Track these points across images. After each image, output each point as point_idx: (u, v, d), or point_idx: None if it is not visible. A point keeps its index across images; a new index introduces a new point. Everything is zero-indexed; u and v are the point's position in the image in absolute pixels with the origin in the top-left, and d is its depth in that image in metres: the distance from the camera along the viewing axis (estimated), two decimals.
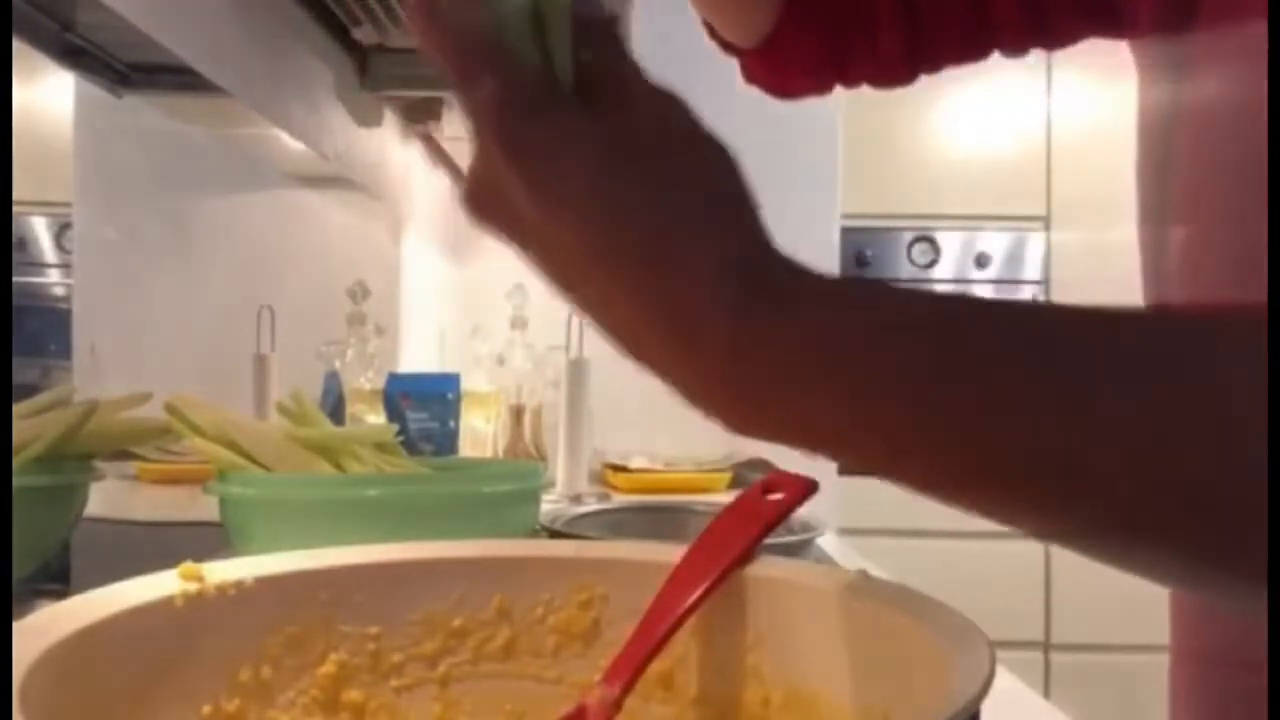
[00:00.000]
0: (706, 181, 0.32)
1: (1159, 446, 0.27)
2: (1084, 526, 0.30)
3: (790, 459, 0.37)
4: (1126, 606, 1.69)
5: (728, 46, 0.61)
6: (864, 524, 1.99)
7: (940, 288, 2.83)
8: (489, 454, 1.57)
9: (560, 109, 0.31)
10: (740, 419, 0.31)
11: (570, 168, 0.30)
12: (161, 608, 0.38)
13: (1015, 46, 0.55)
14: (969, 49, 0.56)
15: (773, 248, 0.31)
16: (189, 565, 0.40)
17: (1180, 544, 0.29)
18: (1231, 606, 0.40)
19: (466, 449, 1.48)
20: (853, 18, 0.56)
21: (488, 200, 0.33)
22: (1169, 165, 0.47)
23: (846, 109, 1.95)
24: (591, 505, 1.17)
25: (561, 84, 0.32)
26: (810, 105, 2.20)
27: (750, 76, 0.60)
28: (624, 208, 0.30)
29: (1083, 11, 0.51)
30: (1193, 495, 0.28)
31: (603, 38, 0.33)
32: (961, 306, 0.30)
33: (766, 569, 0.43)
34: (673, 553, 0.44)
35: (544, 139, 0.30)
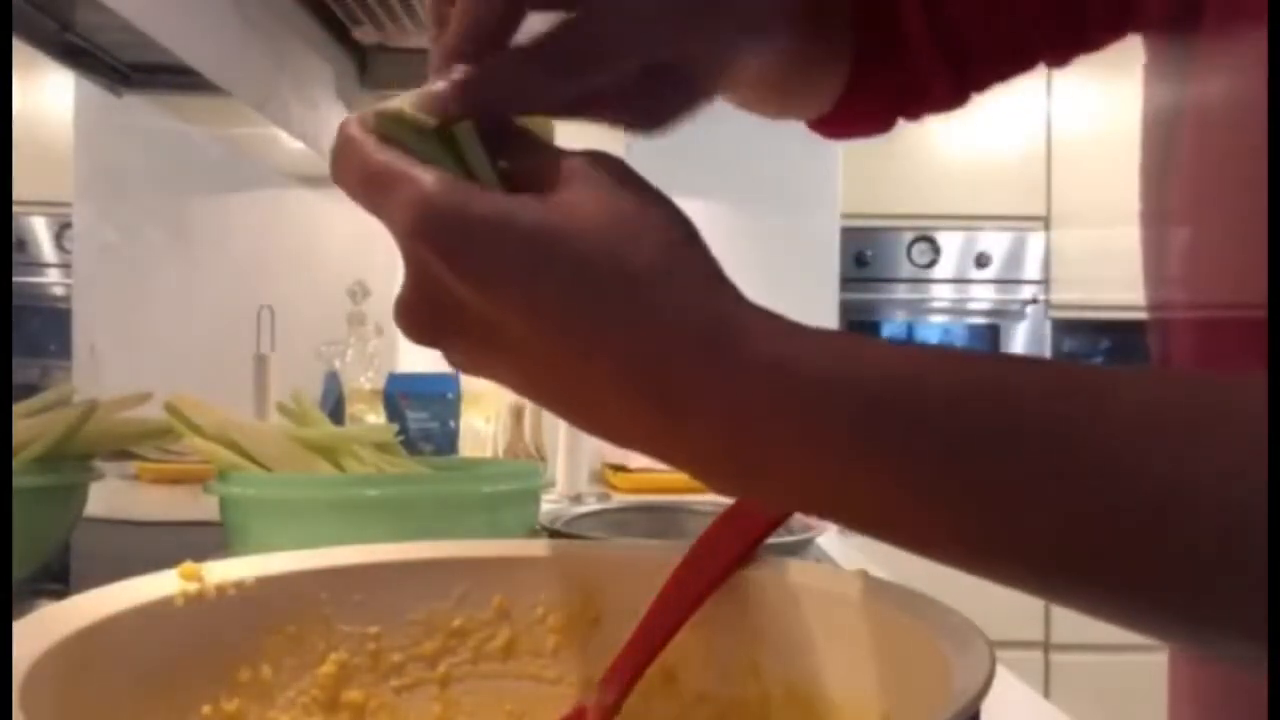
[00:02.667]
0: (655, 251, 0.30)
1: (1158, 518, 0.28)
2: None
3: None
4: None
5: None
6: None
7: (940, 288, 2.83)
8: (489, 454, 1.57)
9: (494, 211, 0.29)
10: (744, 491, 0.32)
11: (518, 264, 0.29)
12: (161, 608, 0.38)
13: (1059, 60, 0.56)
14: (1015, 68, 0.57)
15: (732, 307, 0.30)
16: (189, 565, 0.40)
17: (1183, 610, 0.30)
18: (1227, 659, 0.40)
19: (466, 449, 1.48)
20: (908, 77, 0.57)
21: (430, 319, 0.32)
22: (1171, 164, 0.47)
23: None
24: (591, 505, 1.17)
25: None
26: None
27: (811, 128, 0.61)
28: (560, 309, 0.29)
29: (1113, 11, 0.51)
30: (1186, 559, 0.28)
31: (518, 143, 0.32)
32: (941, 376, 0.29)
33: (766, 569, 0.43)
34: (673, 553, 0.44)
35: (481, 244, 0.29)
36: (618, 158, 0.32)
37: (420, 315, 0.32)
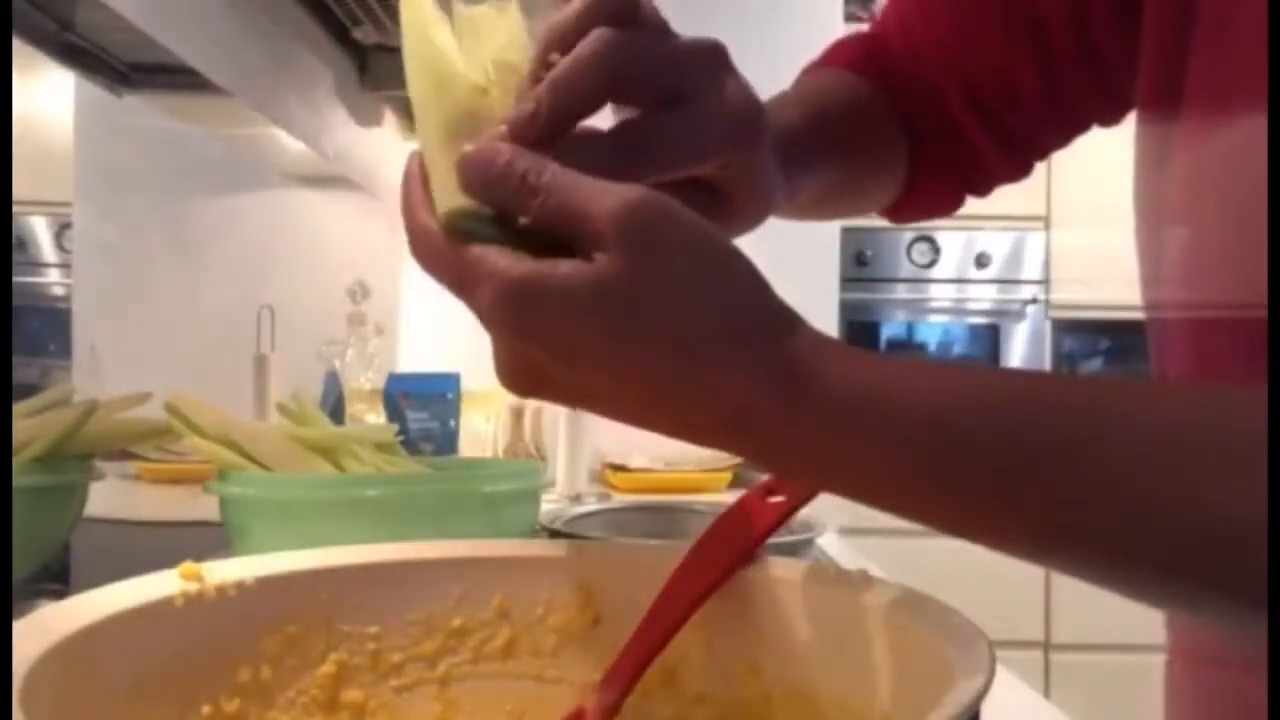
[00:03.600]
0: (717, 297, 0.33)
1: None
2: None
3: None
4: (1126, 606, 1.68)
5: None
6: (864, 524, 1.99)
7: (940, 288, 2.83)
8: (489, 454, 1.57)
9: (552, 288, 0.32)
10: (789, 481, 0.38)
11: (590, 328, 0.32)
12: (161, 608, 0.38)
13: (1111, 121, 0.58)
14: (1072, 135, 0.60)
15: (800, 340, 0.33)
16: (189, 565, 0.40)
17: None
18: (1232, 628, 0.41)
19: (466, 449, 1.48)
20: (965, 163, 0.60)
21: (527, 377, 0.36)
22: (1166, 164, 0.47)
23: None
24: (591, 505, 1.17)
25: (543, 247, 0.33)
26: None
27: (883, 215, 0.63)
28: (648, 354, 0.32)
29: (1130, 54, 0.51)
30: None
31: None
32: (991, 392, 0.33)
33: (766, 569, 0.43)
34: (673, 553, 0.44)
35: (551, 322, 0.32)
36: (660, 202, 0.33)
37: (519, 379, 0.36)
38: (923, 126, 0.59)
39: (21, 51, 0.94)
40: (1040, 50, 0.55)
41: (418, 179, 0.37)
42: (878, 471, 0.33)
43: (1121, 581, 0.33)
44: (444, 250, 0.34)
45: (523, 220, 0.34)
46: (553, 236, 0.33)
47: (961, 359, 2.85)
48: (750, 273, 0.34)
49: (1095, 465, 0.31)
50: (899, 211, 0.62)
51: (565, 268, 0.32)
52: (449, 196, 0.35)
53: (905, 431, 0.32)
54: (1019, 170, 0.61)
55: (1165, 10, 0.47)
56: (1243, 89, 0.41)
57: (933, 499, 0.33)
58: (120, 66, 1.09)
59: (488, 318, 0.34)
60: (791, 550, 0.86)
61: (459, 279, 0.34)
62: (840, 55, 0.61)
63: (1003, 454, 0.32)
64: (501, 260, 0.33)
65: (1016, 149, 0.59)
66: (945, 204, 0.62)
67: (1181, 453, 0.31)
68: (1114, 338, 2.81)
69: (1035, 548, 0.34)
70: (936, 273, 2.82)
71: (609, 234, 0.32)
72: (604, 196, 0.33)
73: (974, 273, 2.82)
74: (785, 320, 0.34)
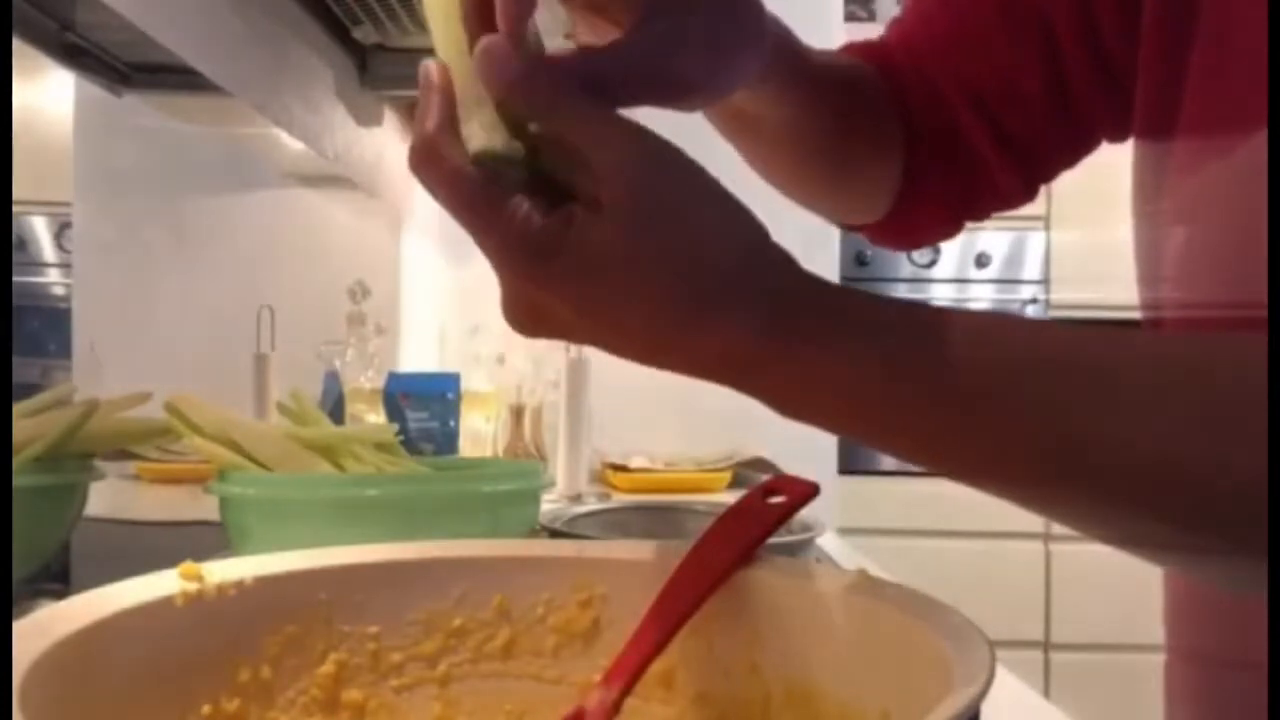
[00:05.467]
0: (721, 238, 0.35)
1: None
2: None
3: (792, 460, 0.38)
4: (1126, 606, 1.69)
5: (845, 226, 0.62)
6: (864, 524, 1.99)
7: (940, 288, 2.83)
8: (489, 454, 1.57)
9: (567, 247, 0.34)
10: (781, 414, 0.37)
11: (598, 284, 0.34)
12: (161, 608, 0.38)
13: (1118, 137, 0.55)
14: (1081, 155, 0.58)
15: (799, 281, 0.36)
16: (189, 565, 0.40)
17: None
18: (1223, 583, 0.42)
19: (466, 449, 1.48)
20: (969, 174, 0.57)
21: (531, 319, 0.37)
22: (1165, 165, 0.47)
23: None
24: (591, 505, 1.17)
25: (549, 178, 0.35)
26: None
27: (873, 241, 0.61)
28: (658, 301, 0.34)
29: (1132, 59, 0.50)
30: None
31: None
32: (992, 327, 0.36)
33: (766, 569, 0.43)
34: (673, 553, 0.44)
35: (563, 276, 0.34)
36: (660, 153, 0.35)
37: (526, 319, 0.37)
38: (924, 125, 0.56)
39: (21, 51, 0.94)
40: (1047, 50, 0.53)
41: (440, 90, 0.36)
42: (857, 399, 0.36)
43: (1063, 506, 0.37)
44: (470, 189, 0.35)
45: (533, 128, 0.35)
46: (568, 175, 0.35)
47: None
48: (746, 221, 0.36)
49: (1036, 397, 0.34)
50: (892, 231, 0.60)
51: (577, 225, 0.34)
52: (473, 120, 0.35)
53: (884, 362, 0.35)
54: (1024, 188, 0.58)
55: (1164, 19, 0.46)
56: (1242, 97, 0.41)
57: (902, 421, 0.36)
58: (120, 66, 1.09)
59: (501, 262, 0.35)
60: (791, 550, 0.86)
61: (478, 220, 0.35)
62: (846, 51, 0.59)
63: (967, 376, 0.35)
64: (520, 211, 0.34)
65: (1022, 162, 0.57)
66: (939, 227, 0.60)
67: (1108, 390, 0.34)
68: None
69: (990, 469, 0.36)
70: (937, 273, 2.82)
71: (614, 186, 0.34)
72: (608, 138, 0.34)
73: (974, 273, 2.82)
74: (778, 268, 0.36)
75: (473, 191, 0.35)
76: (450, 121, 0.36)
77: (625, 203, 0.34)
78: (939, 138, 0.57)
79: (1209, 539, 0.33)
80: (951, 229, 0.61)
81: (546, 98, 0.35)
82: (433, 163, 0.36)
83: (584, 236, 0.34)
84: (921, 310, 0.37)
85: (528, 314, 0.37)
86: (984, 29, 0.55)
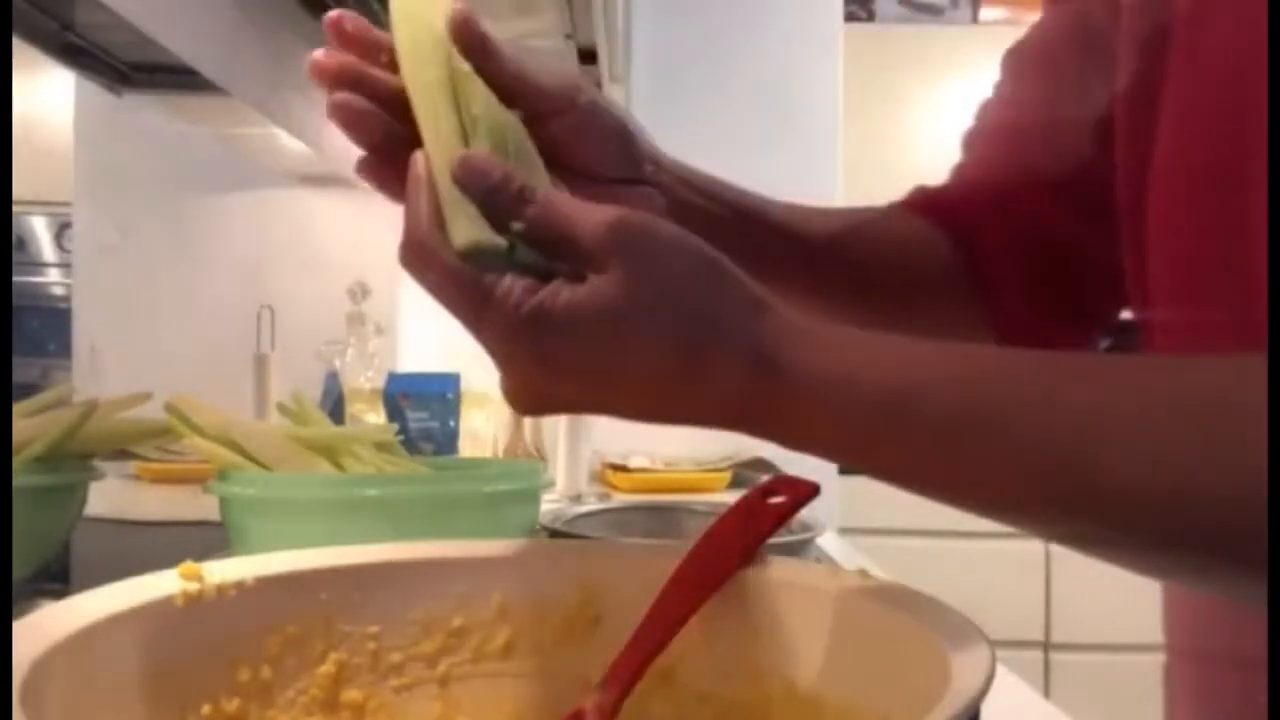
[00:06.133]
0: (701, 291, 0.36)
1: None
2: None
3: (791, 461, 0.38)
4: (1126, 606, 1.69)
5: None
6: (864, 524, 1.99)
7: None
8: (489, 454, 1.57)
9: (558, 320, 0.36)
10: (793, 449, 0.38)
11: (594, 350, 0.36)
12: (161, 608, 0.38)
13: None
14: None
15: (780, 321, 0.37)
16: (189, 565, 0.40)
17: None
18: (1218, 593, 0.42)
19: (466, 449, 1.47)
20: (1068, 266, 0.58)
21: (534, 398, 0.39)
22: (1149, 161, 0.46)
23: (846, 109, 1.95)
24: (591, 505, 1.17)
25: (538, 265, 0.37)
26: (810, 104, 2.17)
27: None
28: (652, 356, 0.36)
29: None
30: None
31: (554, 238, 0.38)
32: (963, 366, 0.36)
33: (766, 569, 0.43)
34: (673, 553, 0.44)
35: (560, 342, 0.36)
36: (638, 222, 0.37)
37: (528, 400, 0.39)
38: (995, 250, 0.56)
39: (21, 51, 0.94)
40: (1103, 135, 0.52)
41: (426, 212, 0.39)
42: (844, 438, 0.37)
43: (1036, 523, 0.36)
44: (461, 283, 0.37)
45: (516, 226, 0.37)
46: (549, 263, 0.37)
47: None
48: (722, 272, 0.37)
49: (1004, 434, 0.34)
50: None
51: (565, 294, 0.36)
52: (459, 216, 0.38)
53: (865, 407, 0.36)
54: (1082, 338, 0.59)
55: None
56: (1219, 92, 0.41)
57: (891, 459, 0.37)
58: (120, 66, 1.09)
59: (498, 348, 0.38)
60: (791, 550, 0.86)
61: (472, 312, 0.37)
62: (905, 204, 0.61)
63: (944, 422, 0.35)
64: (512, 297, 0.36)
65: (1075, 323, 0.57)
66: (1068, 337, 0.59)
67: (1077, 425, 0.33)
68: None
69: (973, 500, 0.36)
70: None
71: (597, 256, 0.36)
72: (587, 217, 0.37)
73: None
74: (754, 310, 0.37)
75: (464, 285, 0.37)
76: (437, 216, 0.38)
77: (610, 271, 0.36)
78: (1021, 249, 0.57)
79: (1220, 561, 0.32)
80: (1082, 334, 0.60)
81: (520, 199, 0.38)
82: (423, 260, 0.38)
83: (574, 308, 0.36)
84: (904, 349, 0.37)
85: (530, 395, 0.39)
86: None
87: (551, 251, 0.37)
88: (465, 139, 0.41)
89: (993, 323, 0.58)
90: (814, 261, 0.55)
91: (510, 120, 0.43)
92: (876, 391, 0.35)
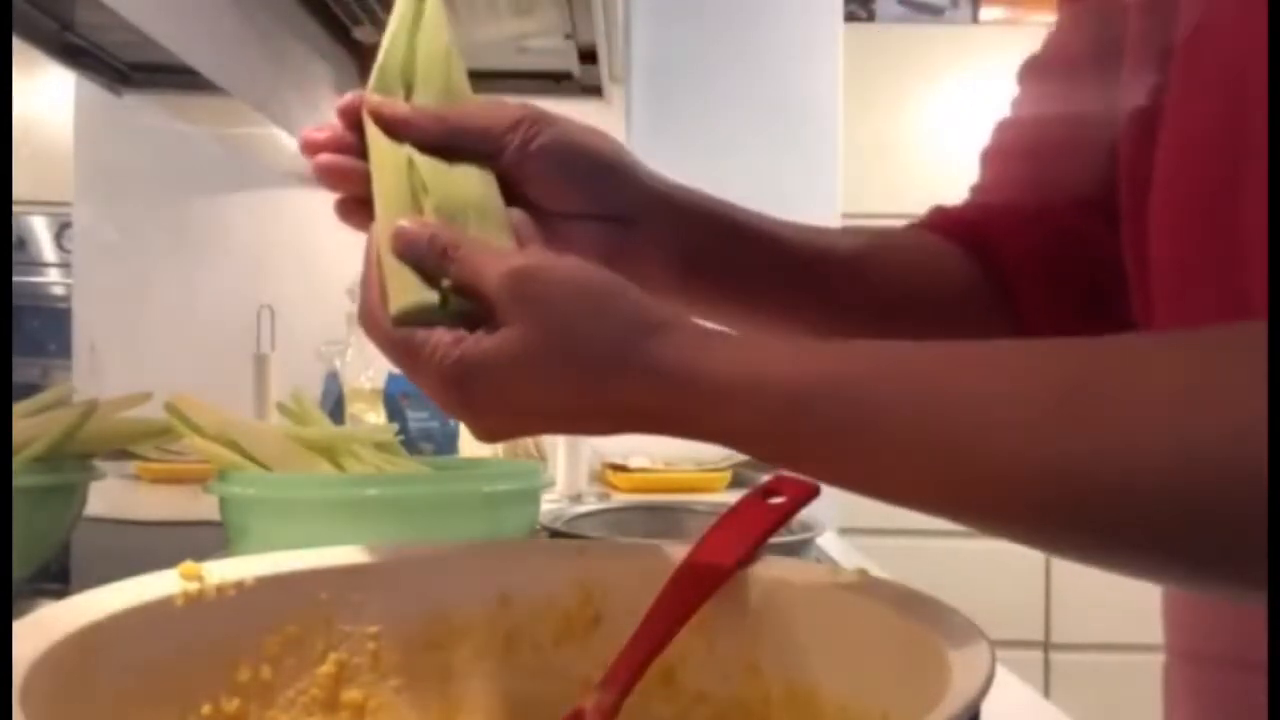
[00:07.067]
0: (590, 331, 0.39)
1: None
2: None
3: None
4: (1126, 606, 1.69)
5: None
6: (864, 524, 1.99)
7: None
8: (489, 454, 1.57)
9: (481, 368, 0.40)
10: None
11: (510, 386, 0.40)
12: (161, 608, 0.38)
13: None
14: None
15: (674, 344, 0.39)
16: (189, 565, 0.40)
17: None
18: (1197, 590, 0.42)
19: (466, 449, 1.47)
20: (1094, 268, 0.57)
21: (488, 433, 0.43)
22: (1149, 165, 0.46)
23: (846, 109, 1.95)
24: (591, 505, 1.17)
25: (466, 314, 0.41)
26: (810, 104, 2.17)
27: None
28: (558, 381, 0.39)
29: None
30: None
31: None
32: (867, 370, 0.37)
33: (766, 569, 0.43)
34: (673, 553, 0.44)
35: (481, 387, 0.40)
36: (534, 268, 0.41)
37: (482, 435, 0.43)
38: (1020, 264, 0.56)
39: (21, 51, 0.94)
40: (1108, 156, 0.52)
41: (375, 284, 0.44)
42: (760, 440, 0.38)
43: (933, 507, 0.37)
44: (396, 346, 0.42)
45: (444, 282, 0.42)
46: (479, 316, 0.41)
47: None
48: (612, 300, 0.40)
49: (890, 429, 0.35)
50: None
51: (484, 344, 0.40)
52: (393, 283, 0.43)
53: (769, 410, 0.37)
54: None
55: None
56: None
57: (804, 457, 0.38)
58: (120, 66, 1.09)
59: (434, 397, 0.42)
60: (791, 550, 0.86)
61: (409, 372, 0.42)
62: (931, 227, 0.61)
63: (838, 421, 0.36)
64: (438, 352, 0.40)
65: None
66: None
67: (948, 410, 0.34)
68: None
69: (890, 497, 0.37)
70: None
71: (499, 306, 0.40)
72: (493, 268, 0.41)
73: None
74: (650, 330, 0.39)
75: (398, 346, 0.42)
76: (380, 288, 0.43)
77: (511, 321, 0.39)
78: (1046, 254, 0.57)
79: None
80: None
81: (444, 255, 0.42)
82: (369, 327, 0.43)
83: (488, 356, 0.39)
84: (806, 349, 0.38)
85: (480, 429, 0.43)
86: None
87: (476, 301, 0.41)
88: (421, 210, 0.45)
89: (1019, 335, 0.57)
90: (829, 287, 0.55)
91: (468, 183, 0.46)
92: (778, 394, 0.37)
